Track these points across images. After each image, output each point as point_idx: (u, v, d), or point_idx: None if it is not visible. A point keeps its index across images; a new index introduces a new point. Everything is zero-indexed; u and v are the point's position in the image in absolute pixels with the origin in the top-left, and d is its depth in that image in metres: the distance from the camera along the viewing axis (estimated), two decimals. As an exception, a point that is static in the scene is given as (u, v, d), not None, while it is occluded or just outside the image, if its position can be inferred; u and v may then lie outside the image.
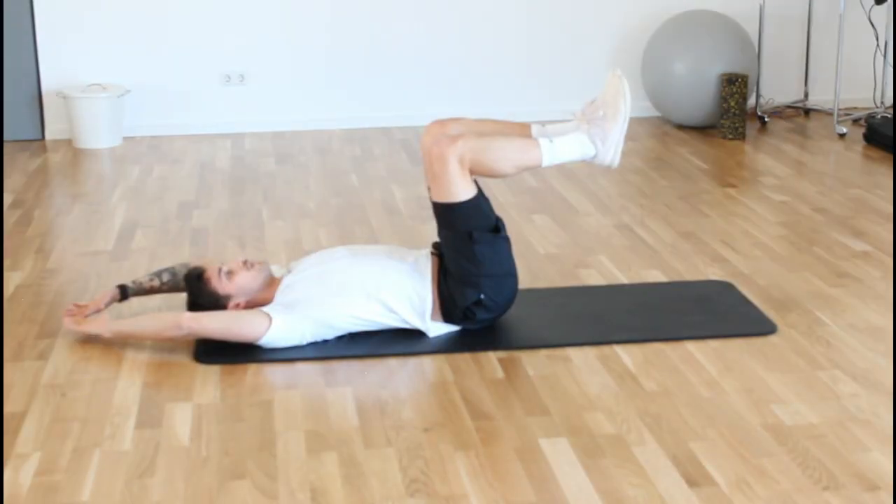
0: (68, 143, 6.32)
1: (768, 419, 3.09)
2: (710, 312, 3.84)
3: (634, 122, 6.41)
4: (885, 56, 6.77)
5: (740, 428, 3.04)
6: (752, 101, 6.64)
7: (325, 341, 3.58)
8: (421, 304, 3.60)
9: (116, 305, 3.80)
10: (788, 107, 6.87)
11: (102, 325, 3.62)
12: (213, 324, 3.52)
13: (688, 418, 3.10)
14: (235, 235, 4.73)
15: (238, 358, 3.48)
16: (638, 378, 3.36)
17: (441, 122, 3.69)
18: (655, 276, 4.21)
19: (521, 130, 3.76)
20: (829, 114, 6.62)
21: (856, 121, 6.54)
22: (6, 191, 5.38)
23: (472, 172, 3.56)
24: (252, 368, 3.44)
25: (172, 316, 3.56)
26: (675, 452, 2.92)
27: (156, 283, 3.82)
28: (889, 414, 3.12)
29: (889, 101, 6.86)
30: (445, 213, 3.60)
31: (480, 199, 3.61)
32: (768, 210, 4.98)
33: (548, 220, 4.87)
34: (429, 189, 3.65)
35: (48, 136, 6.42)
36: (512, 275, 3.65)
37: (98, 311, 3.73)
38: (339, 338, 3.60)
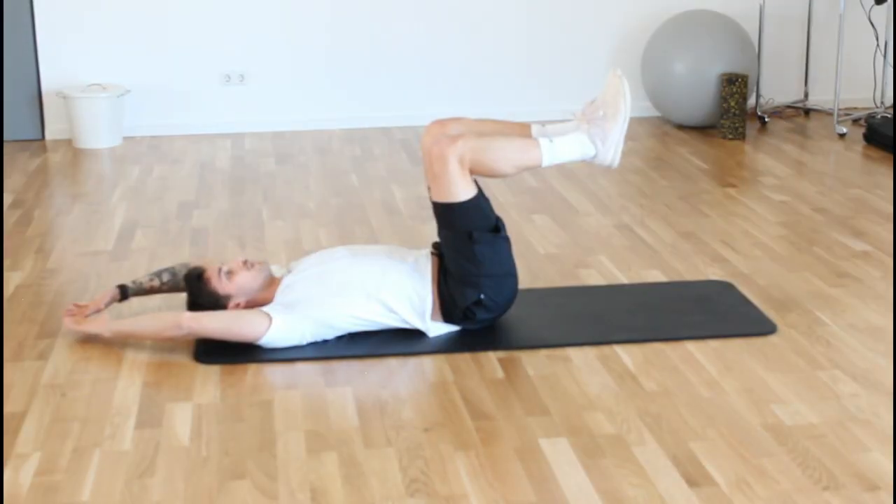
0: (68, 143, 6.32)
1: (768, 419, 3.09)
2: (710, 312, 3.84)
3: (634, 122, 6.41)
4: (885, 56, 6.77)
5: (740, 428, 3.04)
6: (752, 101, 6.64)
7: (325, 341, 3.58)
8: (421, 304, 3.60)
9: (116, 305, 3.80)
10: (788, 107, 6.87)
11: (102, 325, 3.62)
12: (213, 324, 3.52)
13: (688, 418, 3.10)
14: (235, 235, 4.73)
15: (238, 358, 3.48)
16: (638, 378, 3.36)
17: (441, 122, 3.69)
18: (655, 276, 4.21)
19: (521, 130, 3.76)
20: (829, 114, 6.62)
21: (856, 121, 6.54)
22: (6, 191, 5.38)
23: (472, 172, 3.56)
24: (252, 368, 3.44)
25: (172, 316, 3.56)
26: (675, 452, 2.92)
27: (156, 283, 3.82)
28: (889, 414, 3.12)
29: (889, 101, 6.86)
30: (445, 213, 3.60)
31: (480, 199, 3.61)
32: (768, 210, 4.98)
33: (548, 220, 4.87)
34: (429, 189, 3.65)
35: (48, 136, 6.42)
36: (512, 275, 3.66)
37: (98, 311, 3.73)
38: (339, 338, 3.60)
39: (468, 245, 3.56)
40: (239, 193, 5.35)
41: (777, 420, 3.08)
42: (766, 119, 6.61)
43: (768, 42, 6.78)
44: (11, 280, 4.19)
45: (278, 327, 3.50)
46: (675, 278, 4.18)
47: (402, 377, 3.42)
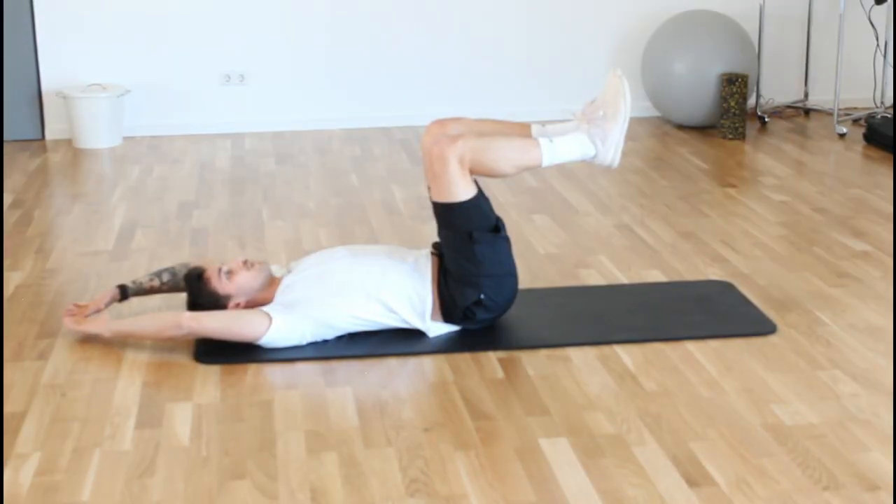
0: (68, 143, 6.32)
1: (768, 419, 3.09)
2: (710, 312, 3.84)
3: (634, 122, 6.41)
4: (885, 56, 6.77)
5: (740, 428, 3.04)
6: (752, 101, 6.65)
7: (325, 341, 3.58)
8: (421, 304, 3.60)
9: (116, 305, 3.80)
10: (788, 107, 6.87)
11: (102, 325, 3.62)
12: (213, 323, 3.52)
13: (688, 418, 3.10)
14: (235, 235, 4.73)
15: (238, 358, 3.48)
16: (638, 378, 3.36)
17: (441, 122, 3.69)
18: (655, 276, 4.21)
19: (521, 130, 3.76)
20: (829, 114, 6.62)
21: (856, 121, 6.54)
22: (6, 191, 5.38)
23: (472, 172, 3.56)
24: (252, 368, 3.44)
25: (172, 315, 3.56)
26: (675, 452, 2.92)
27: (156, 283, 3.82)
28: (889, 414, 3.12)
29: (889, 101, 6.86)
30: (445, 213, 3.60)
31: (480, 199, 3.61)
32: (768, 210, 4.98)
33: (548, 220, 4.87)
34: (429, 189, 3.65)
35: (48, 136, 6.42)
36: (512, 275, 3.65)
37: (98, 311, 3.72)
38: (339, 338, 3.60)
39: (468, 245, 3.56)
40: (239, 193, 5.35)
41: (777, 420, 3.08)
42: (766, 119, 6.61)
43: (768, 42, 6.78)
44: (11, 280, 4.19)
45: (278, 327, 3.50)
46: (675, 278, 4.18)
47: (402, 377, 3.42)
